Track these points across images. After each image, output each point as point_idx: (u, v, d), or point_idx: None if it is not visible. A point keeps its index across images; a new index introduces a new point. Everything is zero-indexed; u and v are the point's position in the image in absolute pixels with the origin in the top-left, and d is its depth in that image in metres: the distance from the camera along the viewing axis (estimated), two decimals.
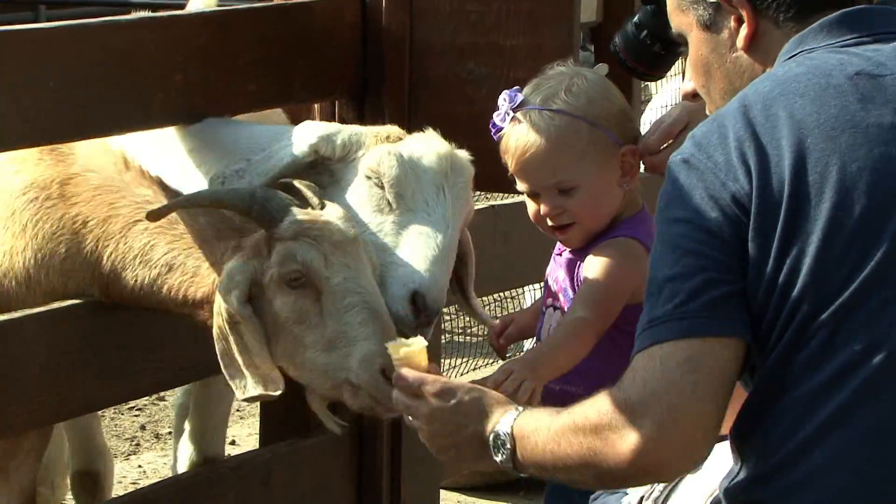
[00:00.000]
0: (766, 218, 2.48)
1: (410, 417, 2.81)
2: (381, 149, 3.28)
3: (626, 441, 2.45)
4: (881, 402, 2.47)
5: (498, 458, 2.65)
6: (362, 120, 3.85)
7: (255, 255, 3.11)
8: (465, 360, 5.33)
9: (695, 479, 2.85)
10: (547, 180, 3.35)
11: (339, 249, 3.07)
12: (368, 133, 3.33)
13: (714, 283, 2.47)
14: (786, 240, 2.48)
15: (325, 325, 3.07)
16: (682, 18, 2.78)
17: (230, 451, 5.10)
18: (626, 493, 2.95)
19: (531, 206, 3.40)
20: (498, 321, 3.58)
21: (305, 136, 3.28)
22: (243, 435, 5.28)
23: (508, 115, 3.34)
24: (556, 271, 3.50)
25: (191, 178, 3.43)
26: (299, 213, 3.09)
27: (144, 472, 5.29)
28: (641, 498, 2.91)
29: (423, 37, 3.82)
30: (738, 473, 2.61)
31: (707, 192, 2.51)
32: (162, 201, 3.23)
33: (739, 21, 2.69)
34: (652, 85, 5.70)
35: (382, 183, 3.23)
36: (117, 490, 4.92)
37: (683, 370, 2.45)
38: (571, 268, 3.46)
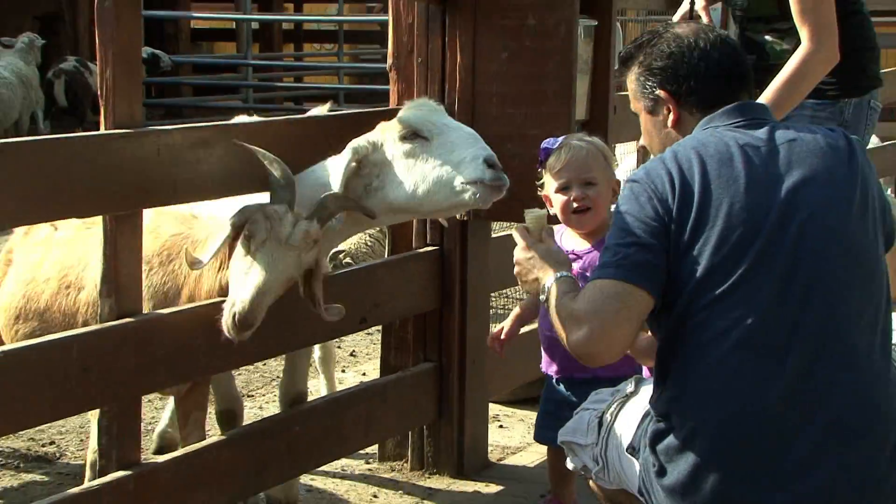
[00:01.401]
0: (680, 228, 2.51)
1: (516, 256, 2.81)
2: (396, 121, 3.19)
3: (575, 334, 2.51)
4: (747, 351, 2.48)
5: (542, 298, 2.71)
6: None
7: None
8: None
9: (635, 401, 2.85)
10: (583, 174, 3.35)
11: (275, 243, 2.91)
12: (376, 130, 3.26)
13: (641, 253, 2.50)
14: (690, 245, 2.51)
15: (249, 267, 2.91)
16: (636, 104, 2.83)
17: (362, 379, 5.12)
18: (594, 409, 2.94)
19: (560, 200, 3.37)
20: (493, 331, 3.55)
21: (344, 153, 3.17)
22: (370, 369, 5.29)
23: (556, 143, 3.39)
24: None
25: None
26: (278, 209, 2.96)
27: (342, 381, 5.21)
28: (602, 413, 2.89)
29: (480, 129, 3.68)
30: (659, 395, 2.62)
31: (648, 202, 2.54)
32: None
33: (668, 111, 2.73)
34: (618, 157, 5.58)
35: (416, 132, 3.15)
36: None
37: (612, 301, 2.49)
38: (578, 258, 3.43)
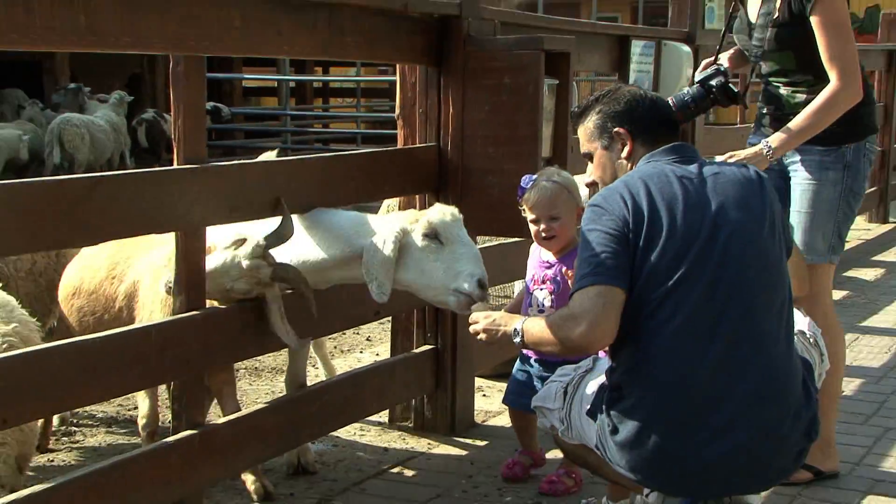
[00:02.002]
0: (636, 237, 2.49)
1: (477, 328, 2.79)
2: (423, 221, 3.05)
3: (574, 331, 2.46)
4: (683, 336, 2.47)
5: (515, 340, 2.67)
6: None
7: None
8: None
9: (593, 375, 2.83)
10: (548, 211, 3.33)
11: (229, 253, 2.93)
12: (405, 217, 3.10)
13: (609, 258, 2.47)
14: (643, 252, 2.48)
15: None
16: (591, 145, 2.82)
17: (376, 359, 5.05)
18: (561, 381, 2.90)
19: (533, 229, 3.36)
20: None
21: (389, 236, 3.01)
22: (382, 351, 5.22)
23: (530, 182, 3.34)
24: (541, 271, 3.42)
25: (300, 245, 3.16)
26: (261, 242, 2.96)
27: (360, 360, 5.13)
28: (567, 384, 2.87)
29: (467, 164, 3.79)
30: (613, 369, 2.60)
31: (608, 218, 2.51)
32: None
33: (623, 144, 2.71)
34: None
35: (437, 235, 3.02)
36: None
37: (598, 298, 2.45)
38: (551, 266, 3.39)
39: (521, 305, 3.48)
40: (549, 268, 3.40)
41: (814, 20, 3.31)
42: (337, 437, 4.00)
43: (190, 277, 2.93)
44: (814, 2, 3.29)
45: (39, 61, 14.29)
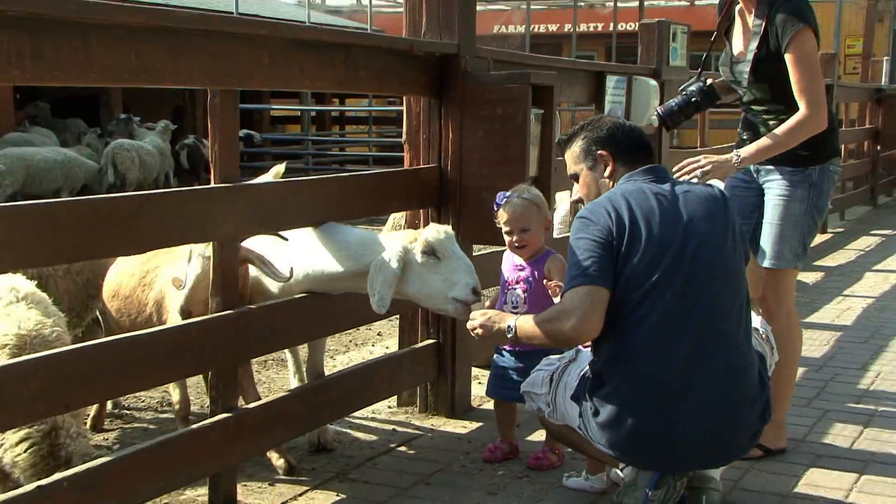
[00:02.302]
0: (619, 244, 2.47)
1: (474, 324, 2.79)
2: (421, 240, 2.99)
3: (566, 325, 2.44)
4: (657, 332, 2.46)
5: (509, 336, 2.65)
6: (439, 219, 3.76)
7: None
8: None
9: (575, 364, 2.82)
10: (519, 224, 3.28)
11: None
12: (405, 238, 3.04)
13: (596, 262, 2.45)
14: (624, 257, 2.46)
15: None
16: (578, 166, 2.81)
17: (385, 351, 5.03)
18: (547, 370, 2.89)
19: (507, 239, 3.33)
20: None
21: (393, 254, 2.95)
22: (391, 344, 5.21)
23: (503, 199, 3.30)
24: (515, 273, 3.39)
25: (316, 257, 3.11)
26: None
27: (372, 353, 5.06)
28: (552, 372, 2.86)
29: (465, 183, 3.77)
30: (596, 360, 2.58)
31: (595, 227, 2.49)
32: None
33: (606, 165, 2.69)
34: (557, 201, 5.53)
35: (434, 251, 2.97)
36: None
37: (586, 296, 2.43)
38: (524, 269, 3.36)
39: (497, 303, 3.45)
40: (521, 270, 3.38)
41: (788, 57, 3.29)
42: (352, 419, 3.98)
43: (225, 281, 2.92)
44: (789, 41, 3.28)
45: (97, 95, 14.33)
